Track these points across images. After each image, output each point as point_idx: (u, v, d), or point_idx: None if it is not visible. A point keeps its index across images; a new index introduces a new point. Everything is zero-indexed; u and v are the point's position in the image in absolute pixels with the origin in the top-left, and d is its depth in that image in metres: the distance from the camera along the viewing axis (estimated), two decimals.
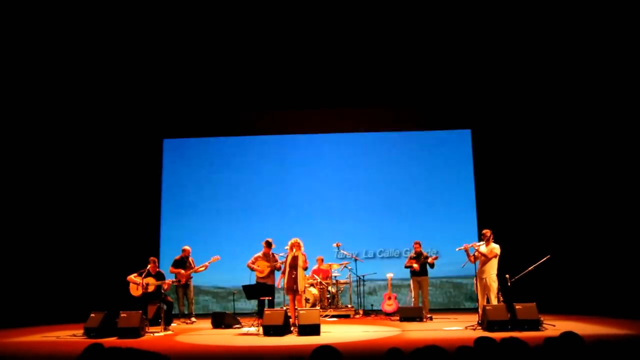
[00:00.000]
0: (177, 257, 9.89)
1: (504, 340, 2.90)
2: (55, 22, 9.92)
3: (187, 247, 9.96)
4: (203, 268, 9.76)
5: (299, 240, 8.37)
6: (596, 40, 9.97)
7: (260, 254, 9.14)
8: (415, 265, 9.38)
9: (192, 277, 9.85)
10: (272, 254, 9.14)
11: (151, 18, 10.10)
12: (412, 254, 9.62)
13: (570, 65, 10.41)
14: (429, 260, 9.36)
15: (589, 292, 9.59)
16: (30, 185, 10.79)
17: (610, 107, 10.20)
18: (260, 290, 8.50)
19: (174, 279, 9.29)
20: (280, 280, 8.89)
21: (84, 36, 10.32)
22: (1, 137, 10.60)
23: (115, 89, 11.38)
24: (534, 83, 10.87)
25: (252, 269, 9.11)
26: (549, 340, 2.95)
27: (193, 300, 9.94)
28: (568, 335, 2.94)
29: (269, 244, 9.12)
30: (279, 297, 9.33)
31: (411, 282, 9.59)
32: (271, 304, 8.67)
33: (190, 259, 9.89)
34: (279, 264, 8.92)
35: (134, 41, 10.55)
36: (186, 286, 9.73)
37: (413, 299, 9.50)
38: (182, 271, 9.68)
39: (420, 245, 9.65)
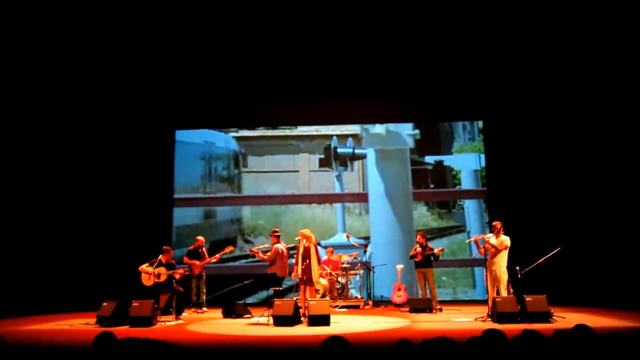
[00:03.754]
0: (191, 247, 9.94)
1: (525, 331, 2.89)
2: (68, 14, 9.94)
3: (200, 238, 10.02)
4: (215, 259, 9.81)
5: (307, 232, 8.37)
6: (609, 35, 9.82)
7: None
8: (419, 250, 9.34)
9: (205, 267, 9.92)
10: (273, 246, 8.93)
11: (164, 10, 10.09)
12: (418, 245, 9.58)
13: (584, 57, 10.26)
14: (435, 251, 9.32)
15: (600, 285, 9.51)
16: (44, 176, 10.88)
17: (623, 101, 10.06)
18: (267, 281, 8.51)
19: (186, 269, 9.31)
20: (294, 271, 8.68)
21: (96, 28, 10.33)
22: (20, 133, 10.72)
23: (128, 82, 11.41)
24: (546, 74, 10.73)
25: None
26: (560, 332, 2.95)
27: (205, 290, 9.94)
28: (581, 328, 2.93)
29: (273, 233, 9.05)
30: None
31: (416, 273, 9.58)
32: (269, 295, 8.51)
33: (204, 249, 9.95)
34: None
35: (146, 33, 10.55)
36: (200, 276, 9.78)
37: (421, 291, 9.50)
38: (197, 262, 9.72)
39: (423, 237, 9.56)
